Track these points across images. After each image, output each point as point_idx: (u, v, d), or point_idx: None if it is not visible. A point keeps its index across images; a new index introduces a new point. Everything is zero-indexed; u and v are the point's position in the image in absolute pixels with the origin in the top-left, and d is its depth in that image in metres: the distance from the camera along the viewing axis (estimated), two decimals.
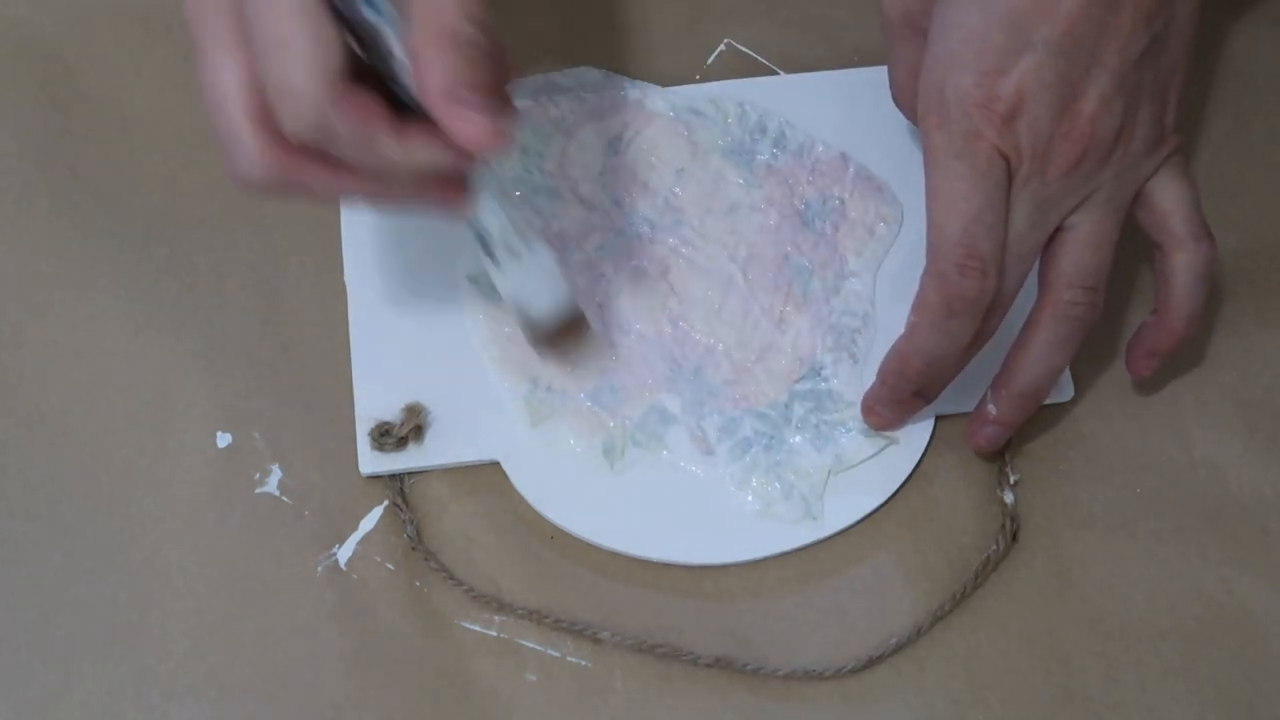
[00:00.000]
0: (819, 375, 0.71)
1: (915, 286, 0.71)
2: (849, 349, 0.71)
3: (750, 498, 0.69)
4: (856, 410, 0.70)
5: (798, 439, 0.70)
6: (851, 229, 0.73)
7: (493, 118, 0.57)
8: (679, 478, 0.69)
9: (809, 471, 0.69)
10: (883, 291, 0.72)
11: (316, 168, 0.59)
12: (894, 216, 0.73)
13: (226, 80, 0.58)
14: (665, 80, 0.76)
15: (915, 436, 0.70)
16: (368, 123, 0.57)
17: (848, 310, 0.72)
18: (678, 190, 0.74)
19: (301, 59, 0.56)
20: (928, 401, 0.68)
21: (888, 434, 0.69)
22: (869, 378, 0.70)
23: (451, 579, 0.68)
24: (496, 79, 0.58)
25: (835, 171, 0.74)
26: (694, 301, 0.72)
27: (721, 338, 0.71)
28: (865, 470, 0.69)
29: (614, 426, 0.70)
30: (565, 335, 0.68)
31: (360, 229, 0.73)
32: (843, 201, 0.73)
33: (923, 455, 0.70)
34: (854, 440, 0.69)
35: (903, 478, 0.69)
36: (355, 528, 0.69)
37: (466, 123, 0.57)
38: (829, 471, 0.69)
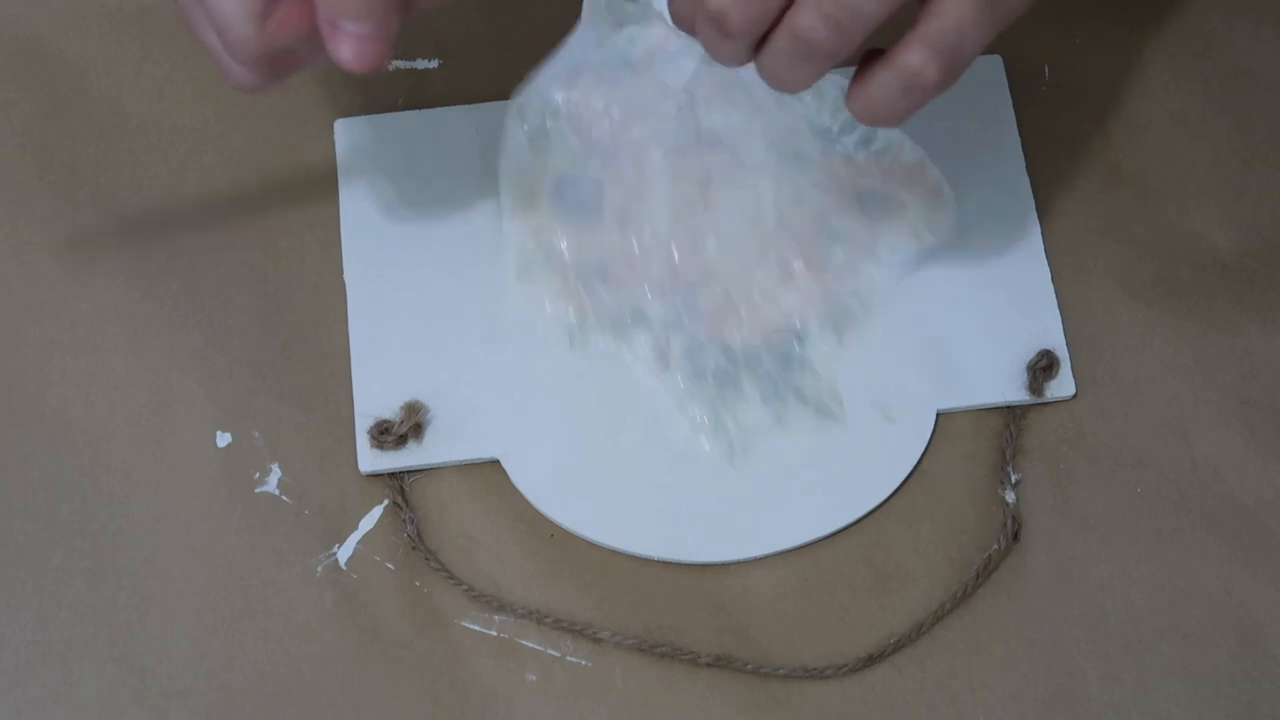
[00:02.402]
0: (799, 340, 0.71)
1: (934, 311, 0.71)
2: (837, 328, 0.71)
3: (686, 424, 0.69)
4: (819, 385, 0.70)
5: (750, 389, 0.69)
6: (899, 227, 0.71)
7: (365, 45, 0.60)
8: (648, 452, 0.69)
9: (746, 423, 0.69)
10: (899, 295, 0.71)
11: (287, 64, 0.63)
12: (944, 231, 0.71)
13: (196, 16, 0.62)
14: None
15: (916, 435, 0.70)
16: (302, 32, 0.60)
17: (856, 293, 0.71)
18: (754, 119, 0.70)
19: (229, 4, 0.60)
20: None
21: (836, 415, 0.69)
22: (847, 361, 0.70)
23: (451, 579, 0.68)
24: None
25: (912, 176, 0.71)
26: (718, 223, 0.71)
27: (727, 266, 0.70)
28: (866, 468, 0.69)
29: (589, 308, 0.70)
30: None
31: (360, 229, 0.73)
32: (904, 205, 0.71)
33: (923, 454, 0.70)
34: (801, 412, 0.69)
35: (903, 477, 0.69)
36: (355, 527, 0.69)
37: (343, 47, 0.60)
38: (762, 431, 0.69)
